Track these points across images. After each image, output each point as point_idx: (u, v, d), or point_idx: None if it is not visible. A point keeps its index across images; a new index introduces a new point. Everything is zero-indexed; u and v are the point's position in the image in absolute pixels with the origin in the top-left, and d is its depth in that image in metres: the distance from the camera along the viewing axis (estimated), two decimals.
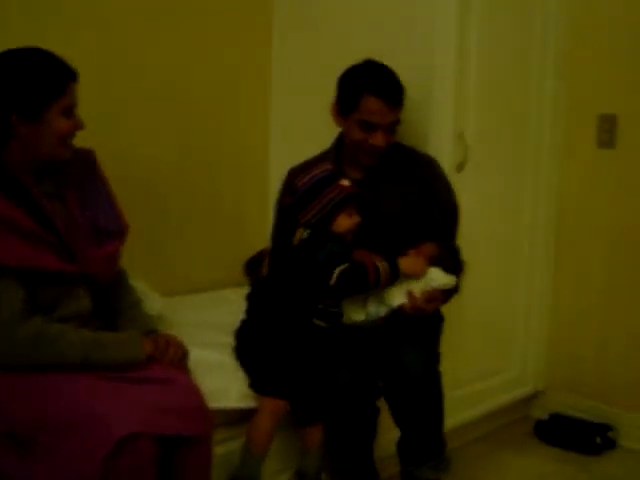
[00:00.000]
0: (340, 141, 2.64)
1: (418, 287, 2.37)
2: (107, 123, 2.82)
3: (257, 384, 2.33)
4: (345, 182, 2.36)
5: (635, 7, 3.19)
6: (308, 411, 2.37)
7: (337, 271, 2.29)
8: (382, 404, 2.46)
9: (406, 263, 2.37)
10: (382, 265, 2.34)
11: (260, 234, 3.03)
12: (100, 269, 2.12)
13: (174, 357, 2.08)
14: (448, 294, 2.44)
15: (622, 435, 3.29)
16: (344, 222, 2.35)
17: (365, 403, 2.41)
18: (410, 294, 2.35)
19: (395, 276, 2.34)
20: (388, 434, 2.50)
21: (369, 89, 2.45)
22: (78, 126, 2.07)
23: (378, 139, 2.48)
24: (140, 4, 2.96)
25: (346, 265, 2.31)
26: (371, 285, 2.33)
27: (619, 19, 3.24)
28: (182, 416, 1.92)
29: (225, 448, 2.31)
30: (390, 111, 2.47)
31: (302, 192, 2.37)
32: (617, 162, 3.30)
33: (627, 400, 3.32)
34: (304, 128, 3.24)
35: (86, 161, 2.20)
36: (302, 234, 2.37)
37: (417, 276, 2.37)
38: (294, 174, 2.60)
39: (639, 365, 3.27)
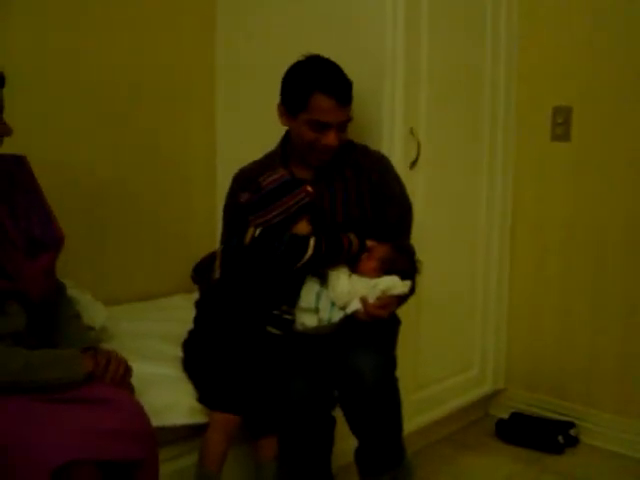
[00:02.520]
0: (286, 141, 2.54)
1: (373, 293, 2.29)
2: (40, 128, 2.71)
3: (207, 398, 2.23)
4: (310, 188, 2.29)
5: None
6: (261, 424, 2.28)
7: (312, 241, 2.23)
8: (338, 413, 2.37)
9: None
10: (352, 236, 2.32)
11: (208, 238, 2.93)
12: (35, 283, 1.99)
13: (115, 375, 1.96)
14: (403, 298, 2.36)
15: (584, 432, 3.26)
16: (304, 227, 2.29)
17: (320, 414, 2.32)
18: (364, 300, 2.27)
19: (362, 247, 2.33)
20: (347, 442, 2.41)
21: (319, 87, 2.34)
22: (5, 132, 1.94)
23: (331, 139, 2.38)
24: (74, 3, 2.85)
25: (318, 237, 2.26)
26: (345, 252, 2.29)
27: (573, 11, 3.20)
28: (125, 439, 1.80)
29: (178, 465, 2.23)
30: (341, 109, 2.37)
31: (268, 191, 2.28)
32: (571, 155, 3.25)
33: (588, 396, 3.29)
34: (251, 130, 3.15)
35: (16, 168, 2.07)
36: (255, 232, 2.28)
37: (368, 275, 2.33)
38: (246, 174, 2.52)
39: (598, 361, 3.24)
